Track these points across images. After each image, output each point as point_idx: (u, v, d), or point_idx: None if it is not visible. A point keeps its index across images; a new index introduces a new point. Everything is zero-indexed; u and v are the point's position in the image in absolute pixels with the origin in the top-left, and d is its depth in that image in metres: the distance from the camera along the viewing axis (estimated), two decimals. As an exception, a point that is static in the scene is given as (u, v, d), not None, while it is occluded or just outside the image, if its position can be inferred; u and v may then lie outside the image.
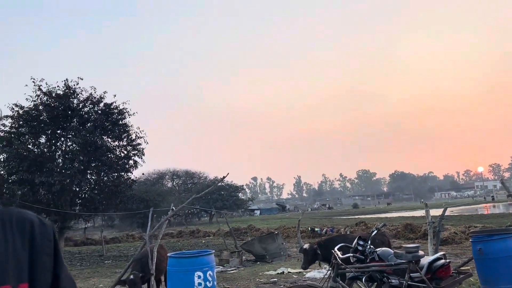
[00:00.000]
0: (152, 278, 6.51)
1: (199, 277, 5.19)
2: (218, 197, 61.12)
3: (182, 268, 5.29)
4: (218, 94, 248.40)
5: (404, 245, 4.82)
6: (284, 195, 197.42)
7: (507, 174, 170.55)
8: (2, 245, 0.99)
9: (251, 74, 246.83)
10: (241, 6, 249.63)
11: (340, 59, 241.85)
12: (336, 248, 4.86)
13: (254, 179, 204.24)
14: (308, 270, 10.15)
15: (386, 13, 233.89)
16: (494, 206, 50.84)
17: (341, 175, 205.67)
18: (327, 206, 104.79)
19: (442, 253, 5.04)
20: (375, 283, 5.22)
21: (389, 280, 4.94)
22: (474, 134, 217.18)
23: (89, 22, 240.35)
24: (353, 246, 5.42)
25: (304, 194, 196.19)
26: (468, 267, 5.00)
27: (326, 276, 4.68)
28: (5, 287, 0.95)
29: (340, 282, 4.65)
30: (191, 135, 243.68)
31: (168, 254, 5.76)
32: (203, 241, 24.56)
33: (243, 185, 76.73)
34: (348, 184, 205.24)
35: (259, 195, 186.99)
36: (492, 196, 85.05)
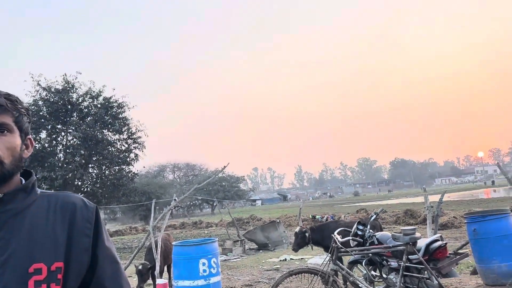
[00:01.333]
0: (158, 267, 6.68)
1: (203, 264, 5.32)
2: (220, 188, 61.42)
3: (187, 256, 5.43)
4: (217, 85, 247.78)
5: (401, 228, 4.95)
6: (285, 185, 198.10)
7: (507, 159, 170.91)
8: (43, 226, 1.10)
9: (252, 64, 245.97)
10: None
11: (338, 46, 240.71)
12: (336, 232, 4.99)
13: (255, 169, 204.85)
14: (310, 256, 10.35)
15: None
16: (494, 191, 51.04)
17: (341, 163, 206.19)
18: (328, 194, 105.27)
19: (438, 235, 5.18)
20: (375, 267, 5.36)
21: (388, 263, 5.08)
22: (474, 120, 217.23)
23: (85, 17, 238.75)
24: (352, 230, 5.56)
25: (305, 183, 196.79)
26: (466, 250, 5.13)
27: (327, 260, 4.81)
28: (39, 265, 1.05)
29: (340, 265, 4.79)
30: (191, 127, 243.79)
31: (173, 243, 5.91)
32: (206, 232, 24.78)
33: (244, 176, 77.02)
34: (348, 172, 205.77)
35: (260, 186, 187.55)
36: (492, 181, 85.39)
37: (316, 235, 6.90)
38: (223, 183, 63.01)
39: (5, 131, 1.08)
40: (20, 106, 1.13)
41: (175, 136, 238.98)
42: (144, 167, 35.90)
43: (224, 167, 10.22)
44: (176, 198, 8.84)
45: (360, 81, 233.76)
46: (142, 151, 22.13)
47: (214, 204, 55.90)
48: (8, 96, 1.12)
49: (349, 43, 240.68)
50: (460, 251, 5.29)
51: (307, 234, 6.86)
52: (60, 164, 19.57)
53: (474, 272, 5.07)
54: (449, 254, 4.94)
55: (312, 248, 7.48)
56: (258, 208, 63.07)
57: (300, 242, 6.92)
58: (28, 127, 1.16)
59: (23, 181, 1.14)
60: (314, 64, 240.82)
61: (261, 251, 13.20)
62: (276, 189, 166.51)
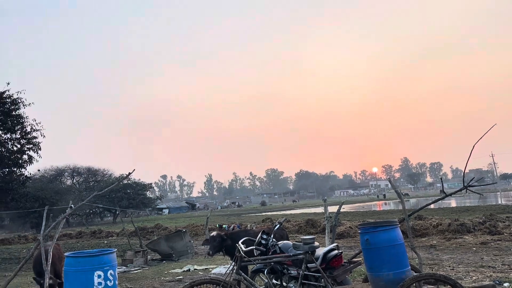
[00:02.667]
0: (47, 279, 6.08)
1: (99, 276, 4.96)
2: (124, 195, 58.56)
3: (80, 268, 5.02)
4: (129, 88, 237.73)
5: (302, 237, 5.14)
6: (195, 194, 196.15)
7: (397, 175, 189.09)
8: None
9: (164, 71, 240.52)
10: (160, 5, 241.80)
11: (249, 63, 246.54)
12: (240, 242, 5.00)
13: (164, 177, 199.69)
14: (214, 266, 10.29)
15: (291, 18, 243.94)
16: (385, 203, 55.92)
17: (251, 173, 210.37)
18: (237, 204, 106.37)
19: (335, 244, 5.47)
20: (277, 275, 5.48)
21: (289, 271, 5.22)
22: (370, 137, 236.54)
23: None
24: (256, 240, 5.63)
25: (215, 193, 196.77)
26: (360, 258, 5.48)
27: (230, 269, 4.79)
28: None
29: (243, 274, 4.80)
30: (97, 130, 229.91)
31: (65, 254, 5.42)
32: (106, 242, 23.39)
33: (151, 183, 74.41)
34: (257, 183, 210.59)
35: (169, 194, 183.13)
36: (384, 194, 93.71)
37: (228, 244, 6.93)
38: (128, 190, 60.17)
39: None
40: None
41: (77, 139, 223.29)
42: (39, 170, 33.09)
43: (129, 173, 9.73)
44: (72, 205, 8.18)
45: (269, 97, 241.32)
46: (37, 153, 20.27)
47: (117, 213, 53.08)
48: None
49: (257, 62, 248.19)
50: (354, 259, 5.64)
51: (225, 238, 6.97)
52: None
53: (365, 280, 5.42)
54: (344, 262, 5.23)
55: (224, 255, 7.55)
56: (165, 217, 61.34)
57: (217, 246, 6.98)
58: None
59: None
60: (227, 77, 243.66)
61: (164, 261, 12.80)
62: (185, 198, 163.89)
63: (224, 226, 21.59)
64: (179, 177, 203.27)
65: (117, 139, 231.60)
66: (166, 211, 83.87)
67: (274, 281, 5.49)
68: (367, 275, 4.80)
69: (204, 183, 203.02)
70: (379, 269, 4.46)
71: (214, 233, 7.23)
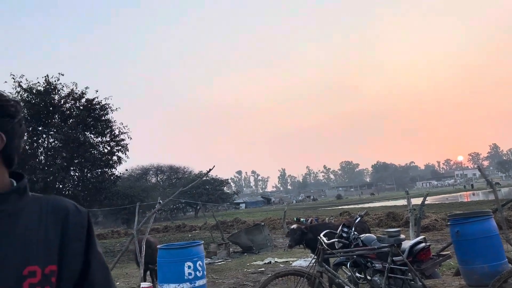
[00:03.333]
0: (142, 270, 6.60)
1: (189, 267, 5.29)
2: (203, 191, 60.97)
3: (172, 259, 5.39)
4: (203, 89, 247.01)
5: (386, 230, 5.01)
6: (269, 188, 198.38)
7: (486, 163, 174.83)
8: (36, 229, 1.08)
9: (237, 70, 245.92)
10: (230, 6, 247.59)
11: (323, 54, 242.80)
12: (321, 235, 5.02)
13: (239, 172, 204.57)
14: (294, 258, 10.38)
15: (367, 8, 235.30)
16: (473, 194, 52.13)
17: (324, 166, 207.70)
18: (312, 197, 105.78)
19: (422, 237, 5.26)
20: (359, 268, 5.41)
21: (373, 265, 5.13)
22: (454, 125, 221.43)
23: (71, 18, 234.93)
24: (338, 232, 5.60)
25: (289, 187, 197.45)
26: (448, 252, 5.22)
27: (312, 262, 4.83)
28: (33, 267, 1.03)
29: (326, 266, 4.81)
30: (175, 130, 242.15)
31: (158, 246, 5.85)
32: (190, 235, 24.60)
33: (227, 179, 76.71)
34: (331, 176, 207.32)
35: (244, 189, 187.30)
36: (472, 184, 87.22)
37: (308, 237, 7.03)
38: (207, 186, 62.61)
39: None
40: None
41: (159, 139, 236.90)
42: (126, 170, 35.49)
43: (210, 169, 10.19)
44: (160, 201, 8.76)
45: (343, 88, 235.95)
46: (125, 154, 21.88)
47: (198, 208, 55.52)
48: None
49: (331, 53, 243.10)
50: (442, 252, 5.38)
51: (306, 231, 7.06)
52: (41, 167, 19.17)
53: (457, 273, 5.16)
54: (432, 255, 5.02)
55: (304, 248, 7.64)
56: (242, 211, 62.91)
57: (297, 239, 7.10)
58: None
59: (14, 183, 1.11)
60: (300, 66, 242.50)
61: (245, 254, 13.17)
62: (260, 192, 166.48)
63: (302, 219, 21.64)
64: (253, 172, 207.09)
65: (194, 138, 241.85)
66: (243, 205, 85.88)
67: (357, 274, 5.43)
68: (459, 268, 4.57)
69: (278, 177, 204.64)
70: (472, 261, 4.23)
71: (294, 226, 7.39)
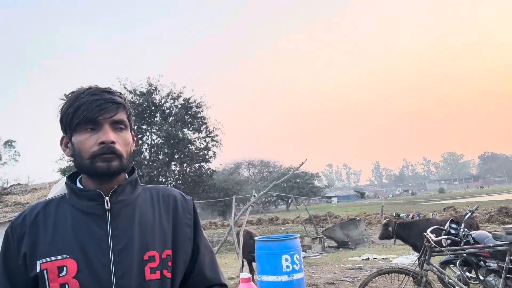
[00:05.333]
0: (240, 261, 6.80)
1: (286, 260, 5.30)
2: (294, 184, 61.19)
3: (270, 251, 5.45)
4: (291, 82, 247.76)
5: (503, 226, 4.52)
6: (362, 182, 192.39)
7: None
8: (151, 216, 1.16)
9: (323, 56, 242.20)
10: None
11: (421, 37, 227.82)
12: (428, 231, 4.68)
13: (330, 166, 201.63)
14: (394, 255, 9.90)
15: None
16: None
17: (424, 158, 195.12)
18: (410, 191, 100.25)
19: (548, 235, 4.64)
20: (469, 268, 4.99)
21: (486, 264, 4.68)
22: None
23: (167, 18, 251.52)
24: (445, 229, 5.19)
25: (384, 180, 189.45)
26: None
27: (418, 260, 4.53)
28: (152, 252, 1.11)
29: (434, 265, 4.48)
30: (264, 124, 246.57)
31: (255, 238, 5.96)
32: (283, 228, 24.86)
33: (318, 173, 76.05)
34: (432, 168, 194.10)
35: (335, 182, 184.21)
36: None
37: (403, 231, 6.89)
38: (298, 180, 62.74)
39: (123, 128, 1.13)
40: (129, 104, 1.19)
41: (248, 133, 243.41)
42: (220, 164, 37.03)
43: (302, 163, 10.16)
44: (255, 194, 8.94)
45: (440, 68, 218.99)
46: (220, 149, 22.84)
47: (290, 201, 55.96)
48: (121, 94, 1.18)
49: (427, 27, 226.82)
50: None
51: (394, 226, 6.99)
52: (146, 162, 20.83)
53: None
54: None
55: (394, 243, 7.56)
56: (334, 205, 61.88)
57: (384, 233, 7.18)
58: (132, 123, 1.21)
59: (127, 176, 1.19)
60: (389, 51, 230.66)
61: (341, 249, 12.92)
62: (353, 186, 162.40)
63: (401, 214, 20.57)
64: (345, 165, 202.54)
65: (283, 132, 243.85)
66: (335, 199, 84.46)
67: (467, 273, 5.01)
68: None
69: (372, 170, 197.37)
70: None
71: (386, 220, 7.28)
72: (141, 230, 1.12)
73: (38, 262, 1.05)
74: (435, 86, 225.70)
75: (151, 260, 1.10)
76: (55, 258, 1.05)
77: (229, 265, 10.29)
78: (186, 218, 1.21)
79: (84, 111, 1.07)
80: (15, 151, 55.09)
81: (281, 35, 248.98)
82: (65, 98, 1.14)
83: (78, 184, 1.15)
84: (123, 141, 1.12)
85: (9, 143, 54.70)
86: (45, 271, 1.04)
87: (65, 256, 1.05)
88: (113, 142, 1.08)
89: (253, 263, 7.31)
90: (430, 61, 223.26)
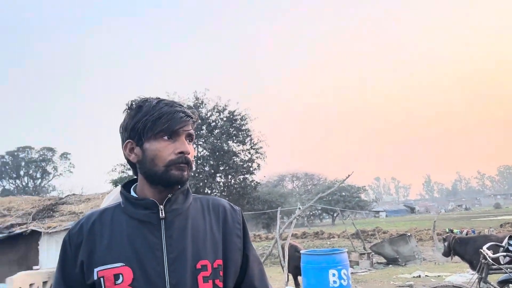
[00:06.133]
0: (285, 274, 6.72)
1: (333, 275, 5.19)
2: (340, 198, 60.00)
3: (316, 265, 5.36)
4: (335, 92, 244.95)
5: None
6: (412, 196, 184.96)
7: None
8: (202, 226, 1.18)
9: (371, 64, 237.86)
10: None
11: (483, 47, 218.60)
12: (485, 247, 4.41)
13: (377, 179, 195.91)
14: (448, 273, 9.42)
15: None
16: None
17: (478, 172, 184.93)
18: (464, 206, 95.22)
19: None
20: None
21: (550, 285, 4.33)
22: None
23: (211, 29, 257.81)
24: (503, 245, 4.88)
25: (436, 194, 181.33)
26: None
27: (474, 278, 4.27)
28: (204, 261, 1.12)
29: (492, 284, 4.21)
30: (308, 136, 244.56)
31: (301, 252, 5.88)
32: (328, 243, 24.36)
33: (365, 186, 74.16)
34: (487, 182, 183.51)
35: (384, 196, 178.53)
36: None
37: (460, 246, 6.68)
38: (343, 193, 61.45)
39: (191, 141, 1.18)
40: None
41: (292, 145, 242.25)
42: (264, 176, 36.99)
43: (348, 175, 9.97)
44: (300, 207, 8.86)
45: (499, 78, 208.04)
46: (264, 161, 22.92)
47: (335, 215, 54.86)
48: (194, 110, 1.22)
49: (480, 34, 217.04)
50: None
51: (446, 243, 6.84)
52: (192, 174, 21.26)
53: None
54: None
55: (451, 259, 7.28)
56: (382, 220, 59.91)
57: (447, 250, 6.92)
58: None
59: (179, 186, 1.21)
60: (439, 58, 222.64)
61: (390, 265, 12.45)
62: (402, 200, 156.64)
63: (455, 230, 19.58)
64: (393, 179, 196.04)
65: (328, 143, 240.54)
66: (383, 214, 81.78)
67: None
68: None
69: (423, 184, 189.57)
70: None
71: (446, 235, 6.93)
72: (194, 239, 1.13)
73: (95, 270, 1.08)
74: (491, 97, 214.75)
75: (204, 269, 1.11)
76: (112, 266, 1.07)
77: (274, 278, 10.18)
78: (236, 228, 1.22)
79: (168, 120, 1.11)
80: (70, 163, 58.23)
81: (332, 43, 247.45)
82: (130, 105, 1.18)
83: (133, 193, 1.18)
84: (192, 153, 1.17)
85: (65, 156, 57.90)
86: (102, 279, 1.07)
87: (121, 264, 1.07)
88: (188, 153, 1.13)
89: (299, 277, 7.18)
90: (489, 71, 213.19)
